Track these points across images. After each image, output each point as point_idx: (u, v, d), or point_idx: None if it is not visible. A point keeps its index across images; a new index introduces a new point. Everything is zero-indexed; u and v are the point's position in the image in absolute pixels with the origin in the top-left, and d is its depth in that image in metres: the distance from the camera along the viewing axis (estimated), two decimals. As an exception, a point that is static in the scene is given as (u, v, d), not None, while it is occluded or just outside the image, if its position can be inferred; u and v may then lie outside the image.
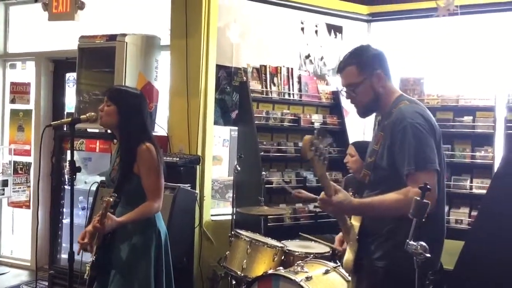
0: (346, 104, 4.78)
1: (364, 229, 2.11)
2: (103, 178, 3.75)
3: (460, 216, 3.98)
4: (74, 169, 2.55)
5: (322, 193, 1.94)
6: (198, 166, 3.97)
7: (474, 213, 3.90)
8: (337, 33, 4.97)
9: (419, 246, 1.68)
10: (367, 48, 2.18)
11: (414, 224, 1.71)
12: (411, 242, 1.70)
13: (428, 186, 1.74)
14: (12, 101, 5.45)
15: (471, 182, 4.02)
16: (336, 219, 2.15)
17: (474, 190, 3.99)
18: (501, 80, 4.17)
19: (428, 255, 1.68)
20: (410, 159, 1.95)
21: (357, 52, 2.14)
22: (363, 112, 2.18)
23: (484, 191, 3.64)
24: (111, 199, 2.44)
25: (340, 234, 2.62)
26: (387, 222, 2.05)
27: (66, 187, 4.46)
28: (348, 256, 2.14)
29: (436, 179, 1.97)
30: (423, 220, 1.73)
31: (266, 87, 4.33)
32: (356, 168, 3.26)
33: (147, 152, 2.54)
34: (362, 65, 2.09)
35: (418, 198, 1.72)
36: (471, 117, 4.06)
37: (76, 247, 2.61)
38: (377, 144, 2.09)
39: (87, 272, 2.56)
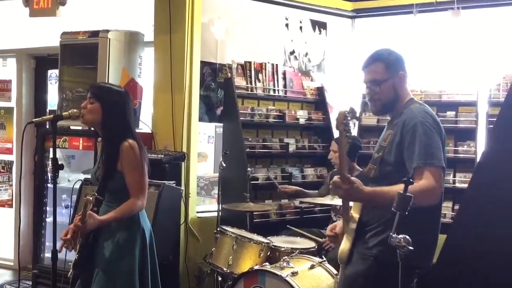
0: (331, 100, 4.81)
1: (363, 220, 2.20)
2: (87, 176, 3.70)
3: (443, 210, 3.97)
4: (57, 167, 2.51)
5: (336, 177, 2.04)
6: (183, 163, 3.95)
7: (457, 207, 3.94)
8: (322, 29, 4.99)
9: (402, 239, 1.70)
10: (392, 51, 2.31)
11: (397, 218, 1.73)
12: (394, 235, 1.71)
13: (411, 180, 1.79)
14: (-7, 98, 5.37)
15: (454, 176, 4.07)
16: (342, 207, 2.23)
17: (457, 184, 4.04)
18: (483, 76, 4.22)
19: (411, 247, 1.70)
20: (420, 154, 2.05)
21: (384, 52, 2.28)
22: (380, 109, 2.29)
23: (467, 185, 3.68)
24: (91, 198, 2.42)
25: (333, 224, 2.66)
26: (385, 213, 2.11)
27: (49, 185, 4.40)
28: (345, 245, 2.21)
29: (442, 175, 2.08)
30: (422, 214, 1.79)
31: (251, 83, 4.32)
32: (340, 164, 3.27)
33: (130, 149, 2.52)
34: (389, 64, 2.23)
35: (401, 192, 1.75)
36: (453, 112, 4.11)
37: (59, 245, 2.58)
38: (385, 141, 2.20)
39: (70, 271, 2.54)
